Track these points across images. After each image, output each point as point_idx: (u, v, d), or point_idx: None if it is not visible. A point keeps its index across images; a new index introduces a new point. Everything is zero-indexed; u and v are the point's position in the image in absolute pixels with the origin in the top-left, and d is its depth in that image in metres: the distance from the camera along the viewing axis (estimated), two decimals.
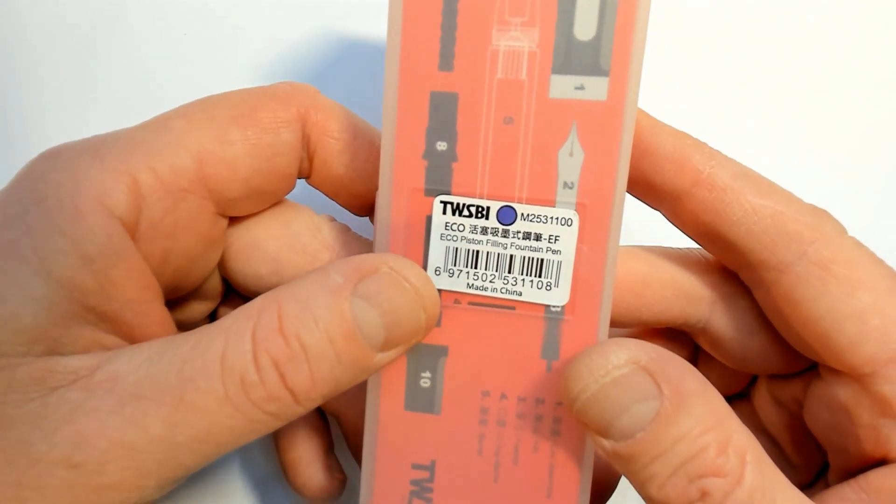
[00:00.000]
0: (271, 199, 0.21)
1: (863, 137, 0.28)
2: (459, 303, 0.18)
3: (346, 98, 0.22)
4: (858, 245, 0.19)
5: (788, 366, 0.21)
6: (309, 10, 0.27)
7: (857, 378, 0.19)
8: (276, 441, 0.24)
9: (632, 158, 0.19)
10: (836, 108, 0.28)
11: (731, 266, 0.20)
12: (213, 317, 0.24)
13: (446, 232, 0.18)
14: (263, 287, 0.21)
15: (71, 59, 0.28)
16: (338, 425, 0.24)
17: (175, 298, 0.21)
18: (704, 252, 0.21)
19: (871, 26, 0.27)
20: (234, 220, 0.21)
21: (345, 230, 0.22)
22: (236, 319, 0.17)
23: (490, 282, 0.18)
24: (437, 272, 0.18)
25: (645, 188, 0.20)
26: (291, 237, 0.21)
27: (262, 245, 0.21)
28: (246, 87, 0.21)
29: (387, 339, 0.17)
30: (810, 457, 0.22)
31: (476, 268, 0.18)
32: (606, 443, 0.16)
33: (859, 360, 0.18)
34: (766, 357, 0.21)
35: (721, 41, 0.28)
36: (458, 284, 0.18)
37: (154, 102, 0.27)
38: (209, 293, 0.22)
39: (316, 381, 0.16)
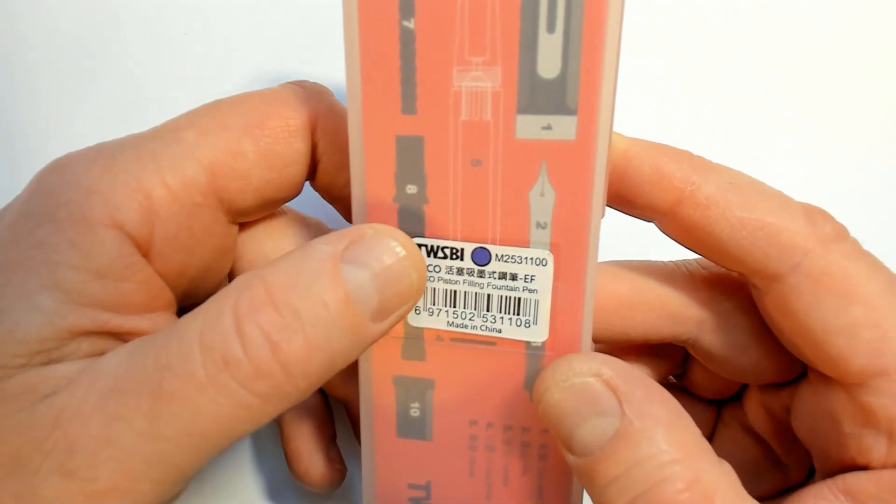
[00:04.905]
0: (280, 204, 0.21)
1: (864, 135, 0.26)
2: (441, 339, 0.19)
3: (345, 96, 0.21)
4: (857, 252, 0.18)
5: (779, 376, 0.21)
6: (310, 8, 0.27)
7: (845, 387, 0.18)
8: (280, 430, 0.25)
9: (610, 184, 0.19)
10: (835, 105, 0.26)
11: (729, 269, 0.20)
12: None
13: None
14: None
15: (71, 58, 0.28)
16: (346, 413, 0.25)
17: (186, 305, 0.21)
18: (692, 267, 0.21)
19: (871, 22, 0.25)
20: (244, 228, 0.21)
21: None
22: (214, 300, 0.16)
23: (470, 319, 0.18)
24: (417, 311, 0.18)
25: (629, 208, 0.19)
26: None
27: (270, 258, 0.21)
28: (246, 86, 0.20)
29: (380, 304, 0.17)
30: (800, 458, 0.22)
31: (455, 306, 0.18)
32: (571, 458, 0.17)
33: (848, 372, 0.18)
34: (757, 370, 0.21)
35: (719, 37, 0.26)
36: (439, 322, 0.18)
37: (155, 102, 0.28)
38: None
39: (311, 350, 0.16)
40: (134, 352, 0.16)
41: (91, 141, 0.19)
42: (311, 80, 0.21)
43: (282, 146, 0.19)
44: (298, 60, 0.28)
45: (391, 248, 0.17)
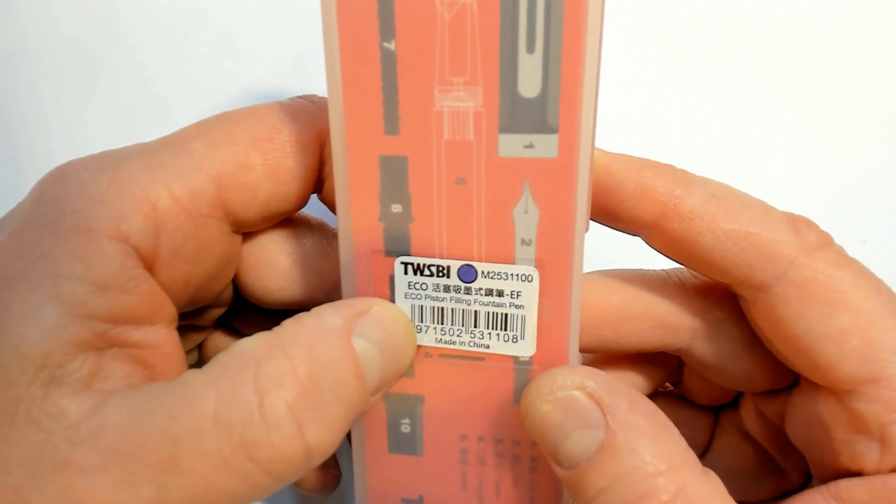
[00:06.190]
0: (285, 216, 0.21)
1: (862, 136, 0.26)
2: (430, 356, 0.19)
3: None
4: (842, 260, 0.18)
5: (773, 384, 0.21)
6: (312, 8, 0.27)
7: (836, 394, 0.18)
8: None
9: (594, 200, 0.19)
10: (831, 106, 0.26)
11: (716, 280, 0.20)
12: (221, 319, 0.25)
13: (410, 290, 0.18)
14: (273, 300, 0.21)
15: (72, 60, 0.28)
16: None
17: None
18: (683, 276, 0.21)
19: (867, 22, 0.25)
20: (247, 234, 0.21)
21: None
22: (226, 370, 0.16)
23: (458, 336, 0.18)
24: None
25: (614, 222, 0.19)
26: (303, 255, 0.21)
27: (273, 261, 0.21)
28: (246, 87, 0.20)
29: (381, 379, 0.17)
30: (798, 462, 0.22)
31: (442, 323, 0.18)
32: (559, 470, 0.17)
33: (838, 379, 0.18)
34: (750, 378, 0.21)
35: (704, 43, 0.26)
36: (427, 339, 0.19)
37: (157, 104, 0.28)
38: (222, 300, 0.23)
39: (333, 429, 0.16)
40: (135, 410, 0.15)
41: (92, 142, 0.19)
42: (317, 79, 0.21)
43: (290, 161, 0.19)
44: (300, 60, 0.28)
45: (397, 326, 0.17)
